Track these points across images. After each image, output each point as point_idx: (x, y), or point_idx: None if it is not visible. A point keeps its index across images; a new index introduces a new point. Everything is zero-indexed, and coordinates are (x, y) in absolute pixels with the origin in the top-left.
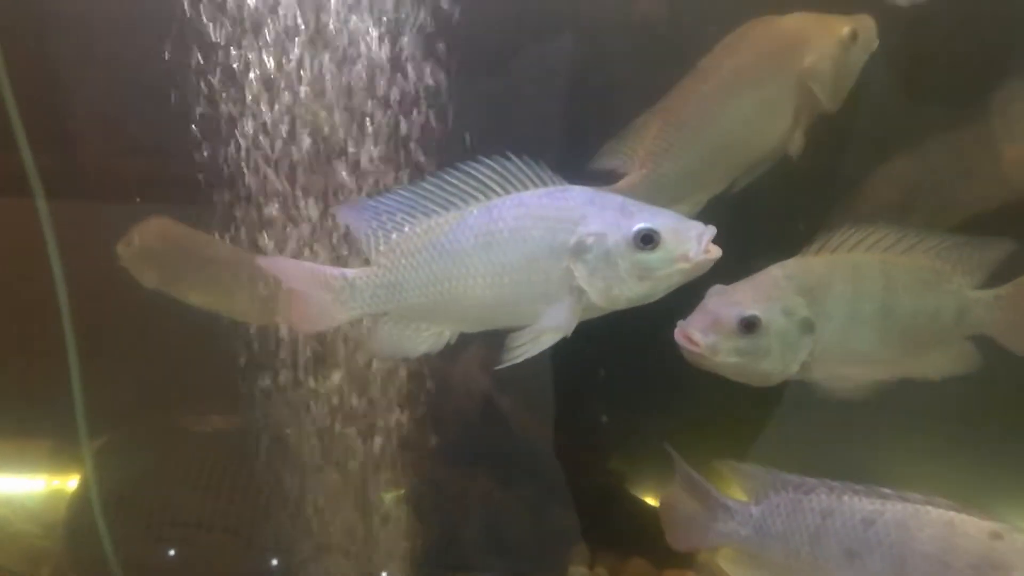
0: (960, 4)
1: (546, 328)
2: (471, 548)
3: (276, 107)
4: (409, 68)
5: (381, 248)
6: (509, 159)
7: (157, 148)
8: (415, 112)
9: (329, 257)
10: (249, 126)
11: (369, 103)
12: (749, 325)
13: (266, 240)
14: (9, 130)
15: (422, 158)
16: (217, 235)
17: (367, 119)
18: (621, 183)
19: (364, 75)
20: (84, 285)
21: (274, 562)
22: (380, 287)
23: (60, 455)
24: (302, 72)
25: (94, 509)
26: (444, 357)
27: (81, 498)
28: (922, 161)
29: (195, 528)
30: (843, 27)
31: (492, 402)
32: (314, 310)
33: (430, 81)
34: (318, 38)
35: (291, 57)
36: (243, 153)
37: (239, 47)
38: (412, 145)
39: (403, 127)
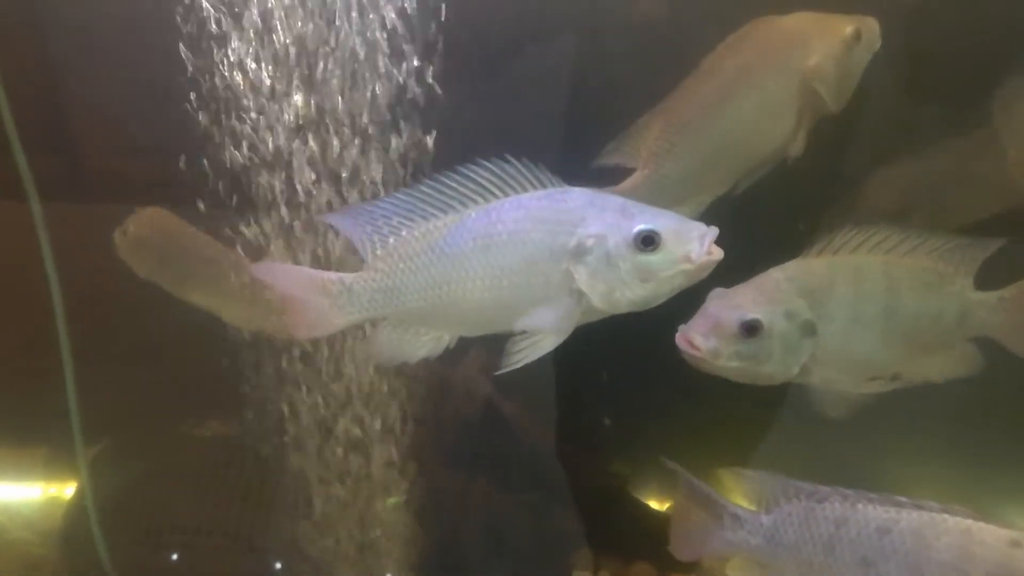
0: (960, 3)
1: (545, 332)
2: (473, 552)
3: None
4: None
5: (379, 252)
6: (508, 161)
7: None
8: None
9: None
10: None
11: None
12: (751, 329)
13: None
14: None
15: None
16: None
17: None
18: (624, 184)
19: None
20: (81, 289)
21: (277, 566)
22: (378, 291)
23: (57, 462)
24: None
25: (90, 516)
26: (445, 361)
27: (77, 505)
28: (922, 164)
29: (194, 534)
30: (846, 27)
31: (494, 405)
32: (312, 316)
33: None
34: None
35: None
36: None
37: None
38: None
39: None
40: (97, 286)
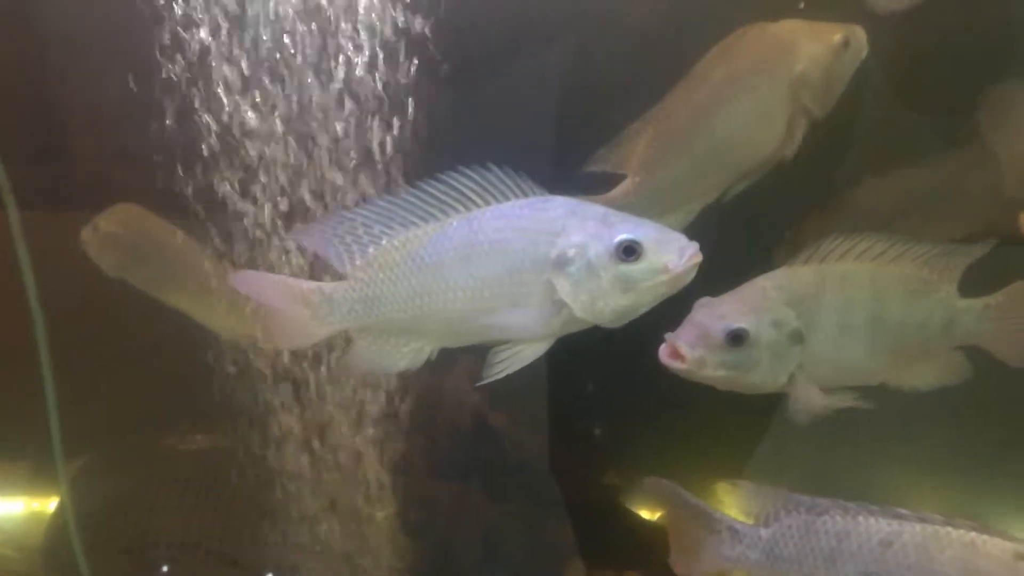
0: (947, 9)
1: (527, 342)
2: (465, 564)
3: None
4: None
5: (359, 262)
6: (489, 169)
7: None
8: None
9: None
10: None
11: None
12: (737, 338)
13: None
14: None
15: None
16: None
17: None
18: (614, 191)
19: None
20: (62, 300)
21: None
22: (359, 301)
23: (40, 477)
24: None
25: (70, 532)
26: (435, 372)
27: (59, 521)
28: (910, 174)
29: (178, 548)
30: (834, 34)
31: (484, 416)
32: (291, 326)
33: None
34: None
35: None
36: None
37: None
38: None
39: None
40: (79, 297)
